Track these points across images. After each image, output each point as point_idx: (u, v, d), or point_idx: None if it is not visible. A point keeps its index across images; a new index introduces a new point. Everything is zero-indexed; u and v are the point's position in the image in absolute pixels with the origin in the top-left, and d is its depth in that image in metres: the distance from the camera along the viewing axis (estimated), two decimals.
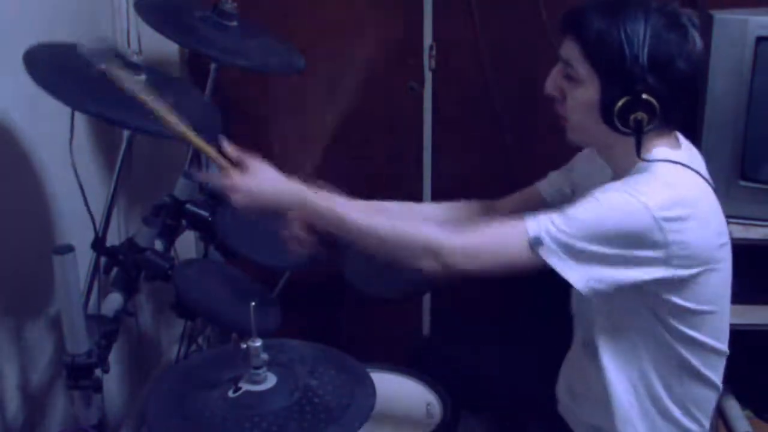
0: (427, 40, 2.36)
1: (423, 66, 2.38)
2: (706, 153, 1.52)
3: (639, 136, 1.35)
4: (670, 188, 1.34)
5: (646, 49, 1.31)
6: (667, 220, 1.30)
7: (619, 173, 1.44)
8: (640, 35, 1.31)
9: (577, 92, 1.39)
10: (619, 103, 1.33)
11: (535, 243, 1.31)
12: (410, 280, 2.10)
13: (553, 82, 1.44)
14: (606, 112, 1.35)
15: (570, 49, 1.39)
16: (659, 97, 1.32)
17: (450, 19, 2.34)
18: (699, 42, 1.35)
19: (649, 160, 1.37)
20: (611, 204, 1.32)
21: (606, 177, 1.50)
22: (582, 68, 1.37)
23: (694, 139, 1.80)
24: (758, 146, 2.00)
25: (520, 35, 2.33)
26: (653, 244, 1.30)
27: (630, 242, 1.31)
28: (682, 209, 1.31)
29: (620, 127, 1.35)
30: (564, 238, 1.30)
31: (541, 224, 1.32)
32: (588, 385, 1.52)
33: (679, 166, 1.38)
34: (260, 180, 1.42)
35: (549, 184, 1.68)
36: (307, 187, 1.43)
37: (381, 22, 2.35)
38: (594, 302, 1.41)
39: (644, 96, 1.31)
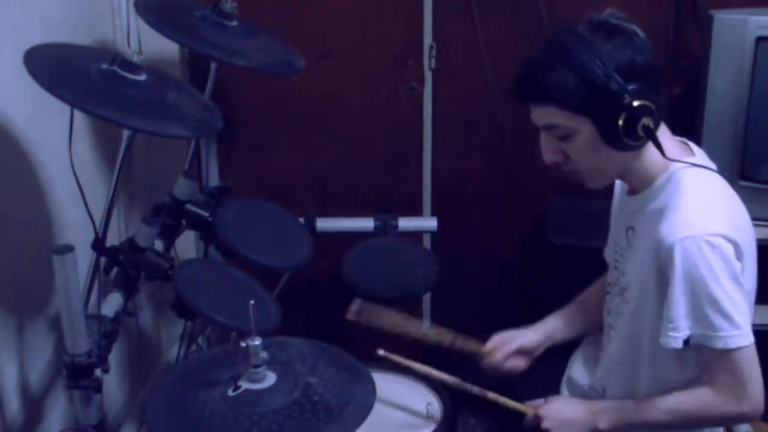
0: (427, 40, 2.37)
1: (423, 66, 2.39)
2: (706, 153, 1.52)
3: (656, 140, 1.35)
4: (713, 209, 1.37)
5: (611, 64, 1.31)
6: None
7: (638, 188, 1.46)
8: (595, 58, 1.31)
9: (575, 142, 1.38)
10: (620, 123, 1.32)
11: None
12: (410, 280, 2.11)
13: (548, 150, 1.43)
14: (613, 138, 1.34)
15: (544, 114, 1.39)
16: (647, 96, 1.32)
17: (450, 19, 2.35)
18: (637, 29, 1.35)
19: (675, 160, 1.39)
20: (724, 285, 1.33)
21: (623, 189, 1.54)
22: (567, 120, 1.36)
23: (694, 139, 1.79)
24: (758, 146, 2.00)
25: (520, 35, 2.33)
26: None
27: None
28: (735, 233, 1.35)
29: (632, 143, 1.35)
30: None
31: (744, 331, 1.34)
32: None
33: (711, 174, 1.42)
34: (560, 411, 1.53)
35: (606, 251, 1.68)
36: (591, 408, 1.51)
37: (381, 22, 2.35)
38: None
39: (636, 103, 1.31)
